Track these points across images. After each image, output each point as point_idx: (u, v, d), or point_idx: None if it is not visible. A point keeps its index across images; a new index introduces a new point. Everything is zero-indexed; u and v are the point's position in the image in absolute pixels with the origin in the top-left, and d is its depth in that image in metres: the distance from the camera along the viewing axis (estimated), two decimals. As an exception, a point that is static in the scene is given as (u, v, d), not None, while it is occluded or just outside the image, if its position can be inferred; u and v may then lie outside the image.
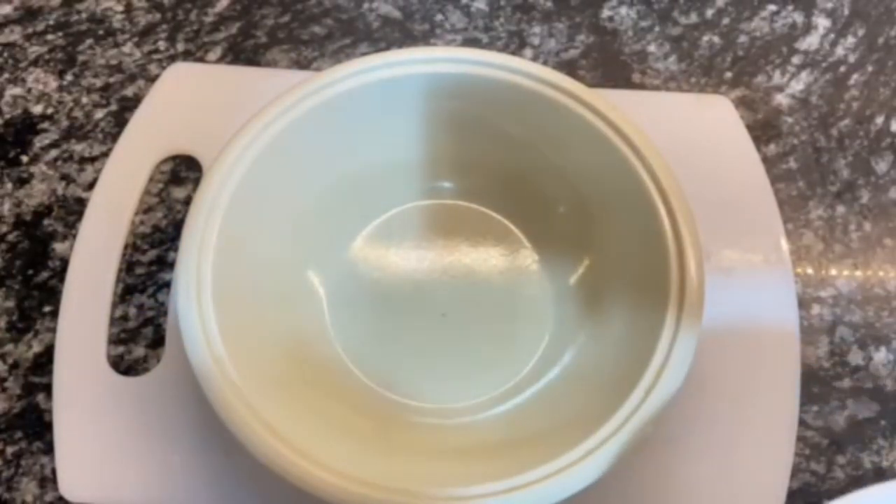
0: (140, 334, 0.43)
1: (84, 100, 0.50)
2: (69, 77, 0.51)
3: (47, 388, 0.41)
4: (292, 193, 0.40)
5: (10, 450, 0.41)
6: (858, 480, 0.41)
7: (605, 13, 0.53)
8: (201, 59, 0.52)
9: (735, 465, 0.39)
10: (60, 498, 0.38)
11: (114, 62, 0.52)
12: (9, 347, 0.43)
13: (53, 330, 0.42)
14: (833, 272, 0.45)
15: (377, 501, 0.30)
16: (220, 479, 0.38)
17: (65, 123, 0.49)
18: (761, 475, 0.39)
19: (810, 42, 0.52)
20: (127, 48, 0.52)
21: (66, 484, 0.38)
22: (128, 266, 0.45)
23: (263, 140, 0.36)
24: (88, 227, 0.44)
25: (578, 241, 0.39)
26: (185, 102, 0.48)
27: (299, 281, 0.41)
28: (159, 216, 0.46)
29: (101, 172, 0.46)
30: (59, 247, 0.46)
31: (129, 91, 0.51)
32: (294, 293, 0.41)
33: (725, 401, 0.40)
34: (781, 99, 0.50)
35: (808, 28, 0.53)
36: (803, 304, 0.44)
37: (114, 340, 0.43)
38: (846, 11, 0.53)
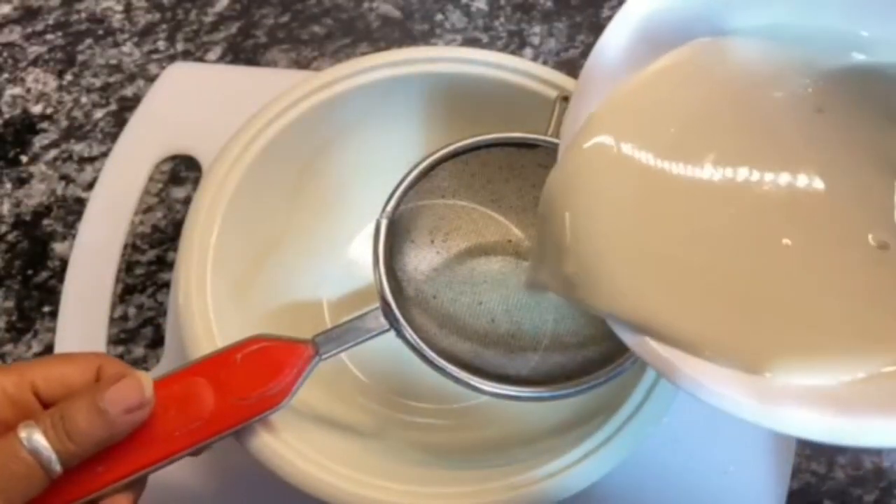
0: (139, 334, 0.43)
1: (83, 100, 0.50)
2: (69, 77, 0.51)
3: (47, 389, 0.41)
4: (292, 193, 0.40)
5: (9, 450, 0.41)
6: (859, 480, 0.41)
7: (606, 13, 0.53)
8: (201, 59, 0.52)
9: (735, 465, 0.39)
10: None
11: (113, 62, 0.52)
12: (8, 347, 0.43)
13: (53, 330, 0.42)
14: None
15: (377, 501, 0.30)
16: (219, 478, 0.38)
17: (64, 123, 0.49)
18: (761, 475, 0.39)
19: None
20: (126, 48, 0.52)
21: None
22: (127, 266, 0.45)
23: (263, 140, 0.36)
24: (88, 227, 0.44)
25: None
26: (185, 102, 0.48)
27: (299, 281, 0.41)
28: (159, 216, 0.46)
29: (100, 172, 0.46)
30: (58, 247, 0.46)
31: (129, 91, 0.51)
32: (293, 293, 0.41)
33: (726, 401, 0.40)
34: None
35: (808, 28, 0.52)
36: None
37: (113, 340, 0.43)
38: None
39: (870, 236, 0.25)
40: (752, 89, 0.27)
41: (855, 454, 0.41)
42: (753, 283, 0.25)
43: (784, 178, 0.26)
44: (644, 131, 0.26)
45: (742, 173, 0.26)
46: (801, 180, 0.26)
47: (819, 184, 0.26)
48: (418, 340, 0.31)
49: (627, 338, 0.25)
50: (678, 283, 0.25)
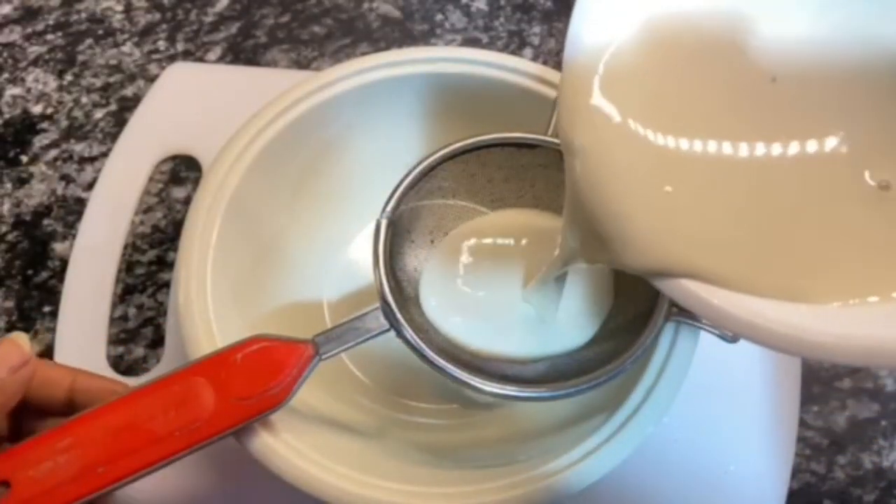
0: (140, 334, 0.43)
1: (84, 100, 0.50)
2: (69, 77, 0.51)
3: (47, 389, 0.41)
4: (292, 193, 0.40)
5: (9, 450, 0.41)
6: (859, 480, 0.41)
7: (605, 13, 0.53)
8: (201, 59, 0.52)
9: (735, 465, 0.39)
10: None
11: (113, 62, 0.52)
12: (8, 347, 0.43)
13: (53, 330, 0.42)
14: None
15: (377, 501, 0.30)
16: (218, 477, 0.38)
17: (64, 123, 0.49)
18: (761, 475, 0.39)
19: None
20: (126, 48, 0.52)
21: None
22: (128, 266, 0.45)
23: (263, 140, 0.36)
24: (88, 227, 0.44)
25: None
26: (185, 102, 0.48)
27: (299, 281, 0.41)
28: (159, 216, 0.46)
29: (100, 172, 0.46)
30: (58, 247, 0.46)
31: (129, 91, 0.51)
32: (293, 293, 0.41)
33: (725, 401, 0.40)
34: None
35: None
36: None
37: (113, 340, 0.43)
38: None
39: (867, 174, 0.25)
40: (742, 44, 0.27)
41: (855, 454, 0.41)
42: (773, 225, 0.25)
43: (783, 128, 0.26)
44: (644, 90, 0.26)
45: (742, 126, 0.26)
46: (803, 131, 0.26)
47: (824, 132, 0.26)
48: (418, 340, 0.31)
49: (661, 284, 0.25)
50: (706, 226, 0.25)
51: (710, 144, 0.26)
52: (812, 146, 0.26)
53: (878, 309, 0.23)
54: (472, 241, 0.37)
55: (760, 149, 0.26)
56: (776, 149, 0.26)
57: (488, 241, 0.37)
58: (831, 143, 0.26)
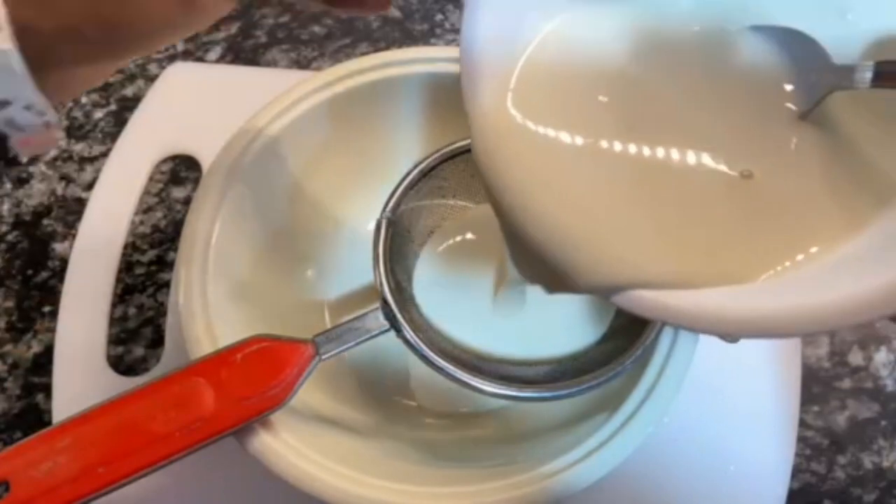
0: (139, 334, 0.43)
1: (83, 99, 0.50)
2: (69, 77, 0.51)
3: (47, 389, 0.41)
4: (292, 193, 0.40)
5: (9, 450, 0.41)
6: (859, 480, 0.41)
7: (605, 13, 0.53)
8: (201, 59, 0.52)
9: (735, 465, 0.39)
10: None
11: (113, 62, 0.52)
12: (8, 347, 0.43)
13: (53, 330, 0.42)
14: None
15: (377, 501, 0.30)
16: (217, 477, 0.38)
17: (64, 123, 0.49)
18: (761, 475, 0.39)
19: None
20: (126, 48, 0.52)
21: (66, 484, 0.38)
22: (127, 266, 0.45)
23: (263, 140, 0.36)
24: (88, 227, 0.44)
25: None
26: (185, 102, 0.48)
27: (299, 281, 0.41)
28: (159, 216, 0.46)
29: (100, 172, 0.46)
30: (58, 247, 0.46)
31: (129, 91, 0.51)
32: (294, 293, 0.41)
33: (726, 401, 0.40)
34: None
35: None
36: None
37: (113, 340, 0.43)
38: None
39: (724, 166, 0.26)
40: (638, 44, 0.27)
41: (855, 454, 0.41)
42: (688, 223, 0.26)
43: (663, 135, 0.27)
44: (551, 100, 0.27)
45: (629, 134, 0.27)
46: (673, 135, 0.27)
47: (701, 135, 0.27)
48: (418, 340, 0.31)
49: (616, 299, 0.25)
50: (638, 234, 0.26)
51: (608, 152, 0.27)
52: (687, 149, 0.27)
53: (794, 276, 0.24)
54: (463, 237, 0.37)
55: (655, 156, 0.27)
56: (663, 156, 0.27)
57: (475, 237, 0.37)
58: (700, 146, 0.26)
